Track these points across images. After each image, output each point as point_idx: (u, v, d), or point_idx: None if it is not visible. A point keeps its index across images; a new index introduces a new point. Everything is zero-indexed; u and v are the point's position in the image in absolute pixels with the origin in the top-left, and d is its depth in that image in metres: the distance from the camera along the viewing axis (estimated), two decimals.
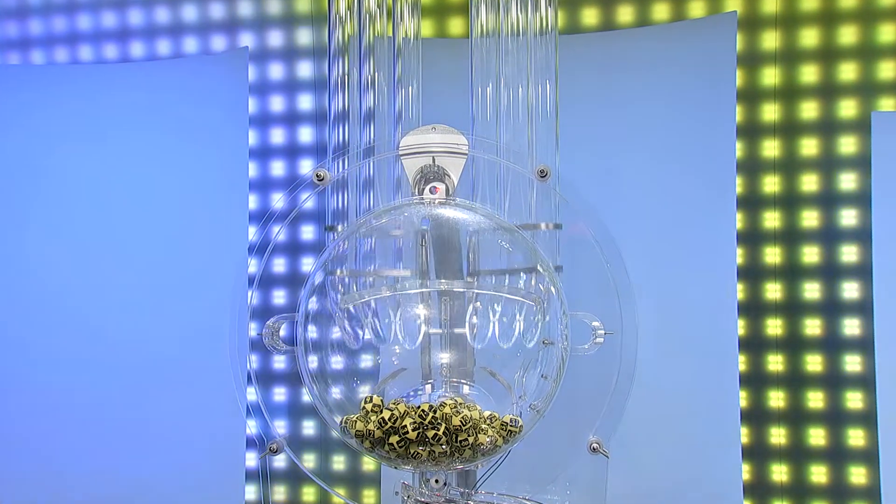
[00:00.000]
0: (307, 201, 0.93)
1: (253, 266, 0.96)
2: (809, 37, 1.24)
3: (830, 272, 1.24)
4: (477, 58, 0.96)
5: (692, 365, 1.22)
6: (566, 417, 0.88)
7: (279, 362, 1.38)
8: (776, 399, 1.27)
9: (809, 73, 1.24)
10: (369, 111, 0.97)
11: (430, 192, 0.88)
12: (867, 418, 1.22)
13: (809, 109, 1.24)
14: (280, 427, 1.29)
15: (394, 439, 0.80)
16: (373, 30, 0.97)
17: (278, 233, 0.95)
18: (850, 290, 1.24)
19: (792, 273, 1.26)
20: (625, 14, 1.29)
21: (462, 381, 0.88)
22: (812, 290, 1.25)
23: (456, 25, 1.34)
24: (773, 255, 1.26)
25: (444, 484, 0.85)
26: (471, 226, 0.89)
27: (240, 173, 1.33)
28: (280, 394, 1.38)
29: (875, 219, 1.20)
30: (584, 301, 0.89)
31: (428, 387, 0.88)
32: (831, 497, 1.25)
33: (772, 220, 1.26)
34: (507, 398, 0.87)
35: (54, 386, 1.35)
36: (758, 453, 1.27)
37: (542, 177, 0.89)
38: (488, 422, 0.82)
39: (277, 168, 1.39)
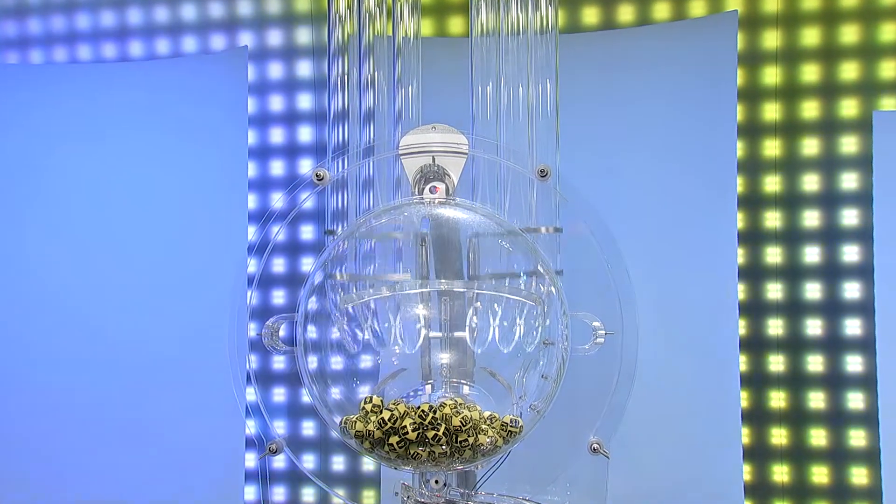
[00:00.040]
0: (307, 201, 0.93)
1: (252, 266, 0.96)
2: (810, 36, 1.24)
3: (831, 272, 1.24)
4: (477, 57, 0.95)
5: (693, 365, 1.22)
6: (566, 418, 0.87)
7: (279, 362, 1.38)
8: (777, 399, 1.26)
9: (810, 73, 1.24)
10: (369, 110, 0.96)
11: (430, 191, 0.88)
12: (868, 419, 1.22)
13: (810, 109, 1.24)
14: (279, 427, 1.29)
15: (394, 440, 0.80)
16: (372, 29, 0.96)
17: (278, 232, 0.95)
18: (852, 290, 1.23)
19: (793, 273, 1.26)
20: (625, 13, 1.29)
21: (462, 381, 0.88)
22: (813, 291, 1.25)
23: (456, 24, 1.34)
24: (773, 255, 1.26)
25: (444, 485, 0.85)
26: (471, 225, 0.89)
27: (239, 173, 1.32)
28: (279, 394, 1.38)
29: (876, 218, 1.20)
30: (584, 301, 0.89)
31: (428, 387, 0.88)
32: (832, 498, 1.25)
33: (773, 219, 1.26)
34: (507, 398, 0.87)
35: (54, 386, 1.35)
36: (759, 454, 1.27)
37: (542, 176, 0.89)
38: (488, 422, 0.82)
39: (277, 168, 1.38)
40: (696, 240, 1.22)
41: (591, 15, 1.30)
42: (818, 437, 1.25)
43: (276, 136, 1.38)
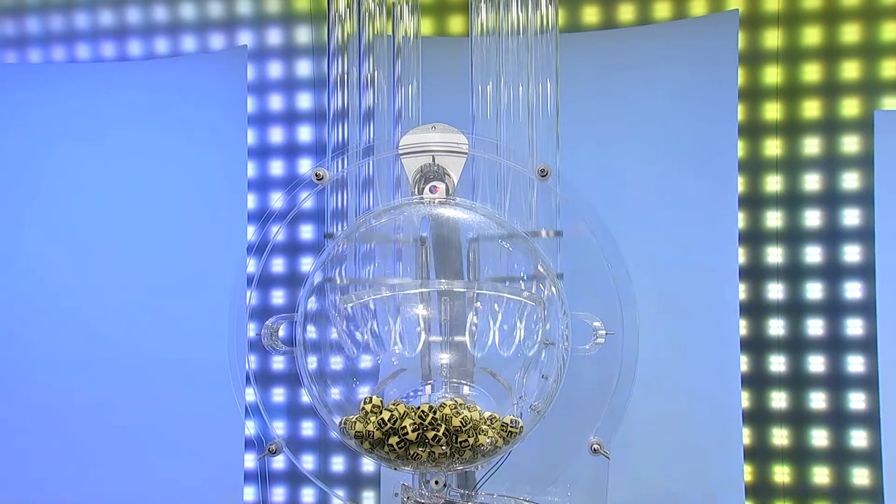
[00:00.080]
0: (306, 201, 0.93)
1: (252, 266, 0.96)
2: (812, 35, 1.24)
3: (833, 272, 1.24)
4: (477, 56, 0.95)
5: (693, 365, 1.22)
6: (567, 418, 0.87)
7: (278, 363, 1.37)
8: (778, 400, 1.26)
9: (812, 72, 1.24)
10: (369, 110, 0.96)
11: (430, 191, 0.87)
12: (870, 419, 1.22)
13: (812, 108, 1.24)
14: (279, 428, 1.29)
15: (393, 440, 0.79)
16: (372, 28, 0.96)
17: (277, 232, 0.94)
18: (853, 290, 1.23)
19: (794, 273, 1.25)
20: (626, 12, 1.28)
21: (462, 381, 0.88)
22: (814, 291, 1.25)
23: (456, 23, 1.33)
24: (775, 254, 1.26)
25: (444, 485, 0.84)
26: (471, 225, 0.88)
27: (238, 172, 1.32)
28: (279, 394, 1.38)
29: (878, 218, 1.20)
30: (584, 301, 0.88)
31: (428, 387, 0.87)
32: (834, 499, 1.25)
33: (774, 219, 1.26)
34: (507, 399, 0.87)
35: (54, 386, 1.34)
36: (760, 454, 1.27)
37: (542, 176, 0.89)
38: (488, 423, 0.82)
39: (276, 167, 1.38)
40: (697, 240, 1.22)
41: (591, 14, 1.29)
42: (819, 437, 1.25)
43: (276, 135, 1.38)
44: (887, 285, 1.19)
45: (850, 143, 1.23)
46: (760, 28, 1.25)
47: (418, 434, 0.79)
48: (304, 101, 1.37)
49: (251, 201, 1.35)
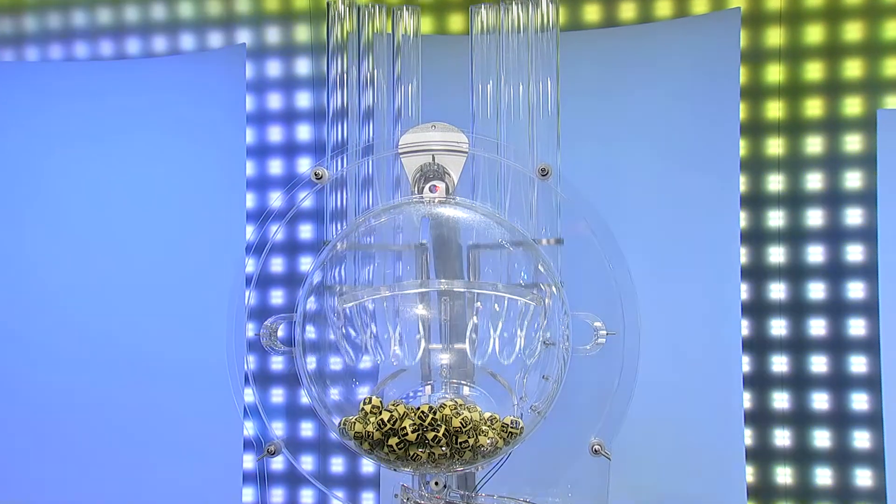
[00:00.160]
0: (305, 200, 0.92)
1: (251, 265, 0.95)
2: (814, 33, 1.23)
3: (835, 272, 1.24)
4: (477, 54, 0.95)
5: (695, 366, 1.21)
6: (567, 419, 0.87)
7: (277, 363, 1.37)
8: (780, 400, 1.26)
9: (814, 70, 1.24)
10: (368, 109, 0.96)
11: (430, 190, 0.87)
12: (872, 420, 1.22)
13: (814, 107, 1.24)
14: (278, 429, 1.27)
15: (393, 441, 0.79)
16: (372, 26, 0.96)
17: (276, 232, 0.94)
18: (856, 290, 1.23)
19: (796, 273, 1.25)
20: (627, 10, 1.28)
21: (462, 382, 0.87)
22: (817, 291, 1.24)
23: (456, 22, 1.33)
24: (777, 254, 1.26)
25: (444, 486, 0.84)
26: (471, 225, 0.88)
27: (237, 172, 1.32)
28: (278, 395, 1.38)
29: (881, 218, 1.19)
30: (585, 301, 0.88)
31: (428, 388, 0.87)
32: (836, 500, 1.24)
33: (776, 219, 1.25)
34: (507, 399, 0.86)
35: (54, 386, 1.34)
36: (762, 455, 1.26)
37: (543, 175, 0.88)
38: (489, 423, 0.81)
39: (275, 166, 1.38)
40: (699, 239, 1.21)
41: (592, 12, 1.29)
42: (822, 438, 1.25)
43: (275, 134, 1.38)
44: (890, 285, 1.19)
45: (853, 142, 1.23)
46: (762, 26, 1.24)
47: (418, 435, 0.78)
48: (303, 99, 1.37)
49: (250, 200, 1.35)
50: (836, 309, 1.24)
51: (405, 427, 0.78)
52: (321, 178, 0.90)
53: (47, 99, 1.36)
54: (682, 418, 1.22)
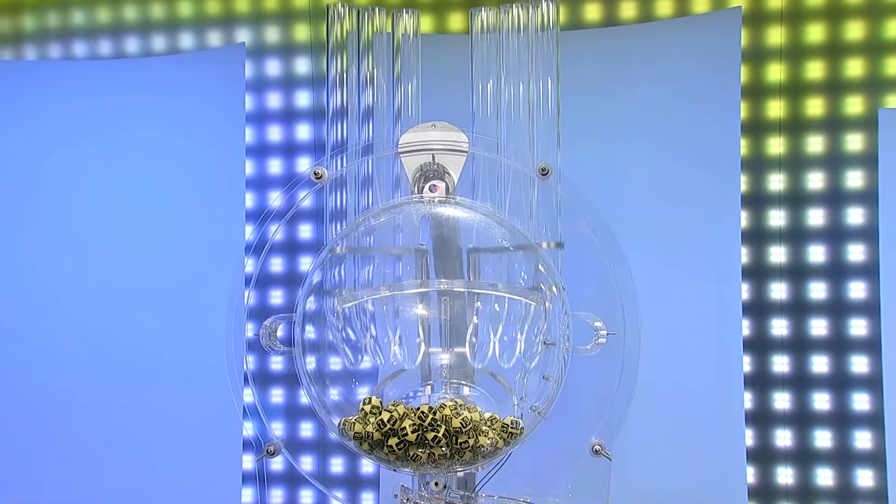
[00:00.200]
0: (305, 200, 0.92)
1: (250, 265, 0.95)
2: (815, 32, 1.23)
3: (836, 272, 1.23)
4: (477, 54, 0.94)
5: (696, 366, 1.21)
6: (568, 419, 0.86)
7: (276, 363, 1.37)
8: (781, 401, 1.26)
9: (815, 70, 1.24)
10: (368, 108, 0.95)
11: (430, 190, 0.87)
12: (874, 420, 1.21)
13: (815, 106, 1.24)
14: (277, 429, 1.27)
15: (393, 441, 0.79)
16: (371, 25, 0.95)
17: (276, 231, 0.94)
18: (857, 289, 1.23)
19: (797, 272, 1.25)
20: (627, 9, 1.28)
21: (462, 382, 0.87)
22: (818, 290, 1.24)
23: (456, 21, 1.33)
24: (778, 254, 1.25)
25: (444, 487, 0.84)
26: (471, 224, 0.88)
27: (236, 171, 1.32)
28: (277, 395, 1.37)
29: (882, 217, 1.19)
30: (586, 301, 0.88)
31: (428, 388, 0.87)
32: (837, 500, 1.24)
33: (777, 218, 1.25)
34: (507, 399, 0.86)
35: (54, 386, 1.34)
36: (763, 456, 1.26)
37: (543, 175, 0.88)
38: (489, 423, 0.81)
39: (275, 166, 1.38)
40: (700, 239, 1.21)
41: (592, 11, 1.29)
42: (823, 438, 1.24)
43: (274, 133, 1.37)
44: (891, 285, 1.19)
45: (854, 142, 1.22)
46: (763, 25, 1.24)
47: (418, 435, 0.78)
48: (303, 98, 1.36)
49: (249, 200, 1.35)
50: (838, 309, 1.23)
51: (405, 427, 0.78)
52: (321, 177, 0.89)
53: (46, 98, 1.36)
54: (683, 418, 1.21)
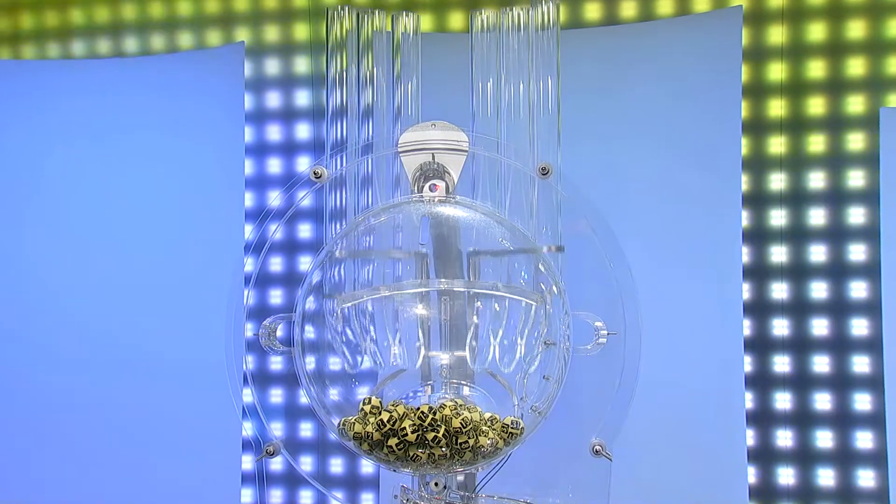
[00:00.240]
0: (304, 199, 0.92)
1: (249, 265, 0.95)
2: (816, 31, 1.23)
3: (838, 271, 1.23)
4: (477, 53, 0.94)
5: (697, 366, 1.21)
6: (568, 419, 0.86)
7: (276, 363, 1.36)
8: (782, 401, 1.25)
9: (816, 69, 1.23)
10: (368, 107, 0.95)
11: (430, 189, 0.86)
12: (875, 420, 1.21)
13: (816, 105, 1.23)
14: (277, 429, 1.27)
15: (393, 442, 0.78)
16: (371, 24, 0.95)
17: (275, 231, 0.93)
18: (858, 289, 1.22)
19: (798, 272, 1.24)
20: (628, 8, 1.28)
21: (462, 382, 0.86)
22: (819, 290, 1.24)
23: (456, 20, 1.32)
24: (779, 253, 1.25)
25: (444, 487, 0.83)
26: (471, 224, 0.87)
27: (236, 170, 1.31)
28: (277, 395, 1.37)
29: (883, 217, 1.19)
30: (586, 301, 0.87)
31: (427, 388, 0.86)
32: (839, 501, 1.24)
33: (778, 218, 1.25)
34: (508, 400, 0.86)
35: (54, 386, 1.34)
36: (764, 456, 1.26)
37: (543, 174, 0.88)
38: (489, 424, 0.81)
39: (274, 165, 1.37)
40: (700, 238, 1.21)
41: (593, 10, 1.29)
42: (824, 439, 1.24)
43: (273, 133, 1.37)
44: (893, 284, 1.19)
45: (856, 141, 1.22)
46: (764, 24, 1.24)
47: (418, 435, 0.78)
48: (302, 98, 1.36)
49: (248, 199, 1.34)
50: (839, 308, 1.23)
51: (405, 427, 0.78)
52: (320, 176, 0.89)
53: (44, 97, 1.36)
54: (684, 419, 1.21)
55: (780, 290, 1.25)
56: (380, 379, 0.88)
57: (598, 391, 0.88)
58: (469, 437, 0.78)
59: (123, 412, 1.32)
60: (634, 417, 0.88)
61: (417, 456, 0.79)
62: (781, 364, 1.25)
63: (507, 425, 0.81)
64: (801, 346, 1.24)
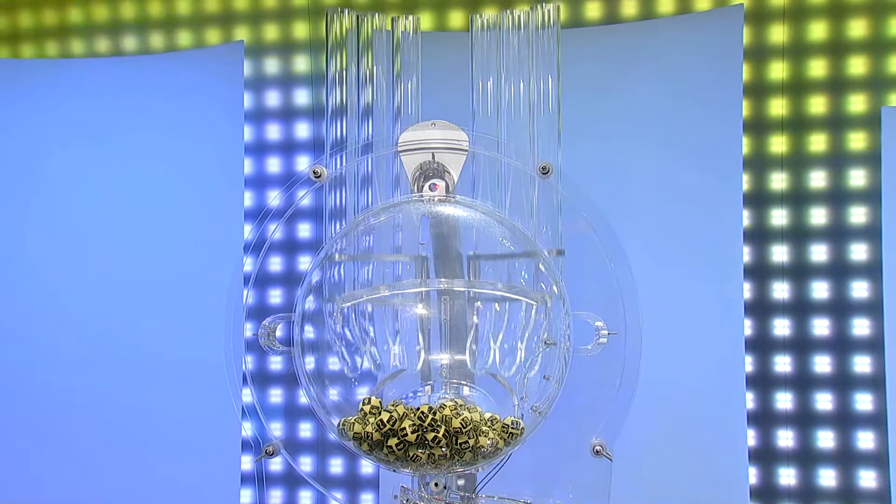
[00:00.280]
0: (304, 198, 0.92)
1: (249, 264, 0.94)
2: (818, 30, 1.23)
3: (839, 271, 1.23)
4: (478, 52, 0.94)
5: (697, 366, 1.20)
6: (569, 419, 0.86)
7: (275, 363, 1.36)
8: (783, 401, 1.25)
9: (818, 68, 1.23)
10: (368, 106, 0.95)
11: (430, 188, 0.86)
12: (877, 421, 1.21)
13: (818, 104, 1.23)
14: (276, 429, 1.27)
15: (392, 442, 0.78)
16: (371, 23, 0.95)
17: (274, 230, 0.93)
18: (860, 289, 1.22)
19: (800, 272, 1.24)
20: (629, 7, 1.27)
21: (462, 382, 0.86)
22: (820, 290, 1.23)
23: (456, 18, 1.32)
24: (780, 253, 1.25)
25: (444, 487, 0.83)
26: (472, 223, 0.87)
27: (235, 170, 1.31)
28: (276, 395, 1.37)
29: (885, 216, 1.19)
30: (586, 300, 0.87)
31: (427, 388, 0.86)
32: (840, 501, 1.23)
33: (779, 217, 1.25)
34: (508, 400, 0.85)
35: (53, 386, 1.34)
36: (765, 456, 1.25)
37: (543, 173, 0.88)
38: (489, 424, 0.80)
39: (273, 165, 1.37)
40: (701, 238, 1.21)
41: (593, 9, 1.28)
42: (825, 439, 1.24)
43: (273, 132, 1.37)
44: (894, 284, 1.18)
45: (857, 140, 1.22)
46: (766, 23, 1.24)
47: (418, 435, 0.78)
48: (302, 97, 1.36)
49: (248, 199, 1.34)
50: (840, 308, 1.23)
51: (405, 428, 0.78)
52: (320, 176, 0.89)
53: (43, 96, 1.36)
54: (685, 419, 1.21)
55: (781, 290, 1.25)
56: (379, 379, 0.88)
57: (599, 391, 0.88)
58: (469, 438, 0.78)
59: (123, 412, 1.32)
60: (635, 417, 0.88)
61: (417, 456, 0.78)
62: (782, 364, 1.25)
63: (508, 425, 0.81)
64: (802, 345, 1.24)
